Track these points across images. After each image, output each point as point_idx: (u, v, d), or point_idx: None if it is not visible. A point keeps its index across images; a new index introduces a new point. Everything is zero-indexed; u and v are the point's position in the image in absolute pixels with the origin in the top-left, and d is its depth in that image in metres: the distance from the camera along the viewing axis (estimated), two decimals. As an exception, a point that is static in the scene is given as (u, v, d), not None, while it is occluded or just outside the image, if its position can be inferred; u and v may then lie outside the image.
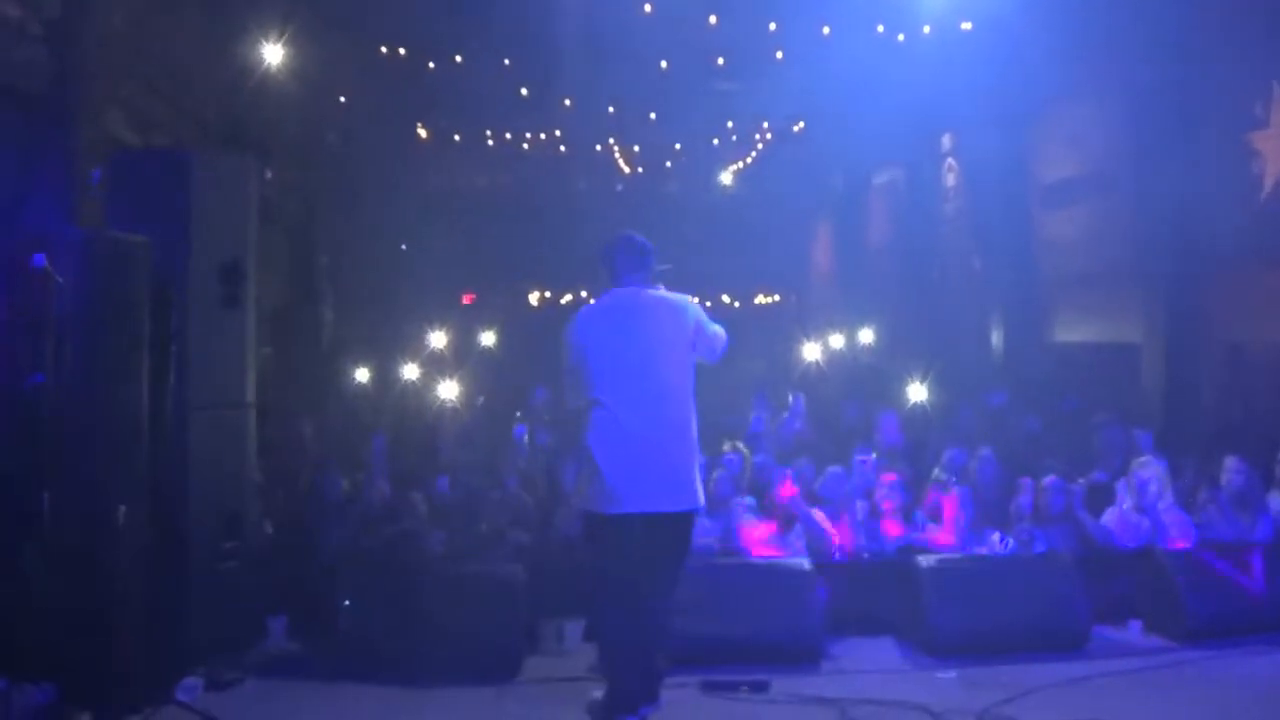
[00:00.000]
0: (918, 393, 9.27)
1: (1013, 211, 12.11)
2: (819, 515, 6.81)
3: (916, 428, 8.84)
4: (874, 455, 7.50)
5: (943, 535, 6.97)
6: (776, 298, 19.23)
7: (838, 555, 6.69)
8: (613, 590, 4.86)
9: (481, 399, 10.72)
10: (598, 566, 4.91)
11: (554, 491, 7.51)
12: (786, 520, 6.82)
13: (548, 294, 18.22)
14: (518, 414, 9.82)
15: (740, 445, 7.79)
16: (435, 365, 11.16)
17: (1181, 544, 6.71)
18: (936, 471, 7.61)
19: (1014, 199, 12.10)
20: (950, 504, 7.06)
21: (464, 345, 13.03)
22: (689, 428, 4.86)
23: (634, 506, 4.74)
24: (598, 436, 4.78)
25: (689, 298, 5.08)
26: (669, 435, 4.79)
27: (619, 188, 17.95)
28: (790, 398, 9.66)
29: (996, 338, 12.56)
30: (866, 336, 13.95)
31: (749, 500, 7.01)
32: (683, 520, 4.89)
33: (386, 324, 13.10)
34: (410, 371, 10.68)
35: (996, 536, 6.90)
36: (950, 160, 13.95)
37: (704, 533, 6.53)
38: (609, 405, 4.76)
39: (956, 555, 6.61)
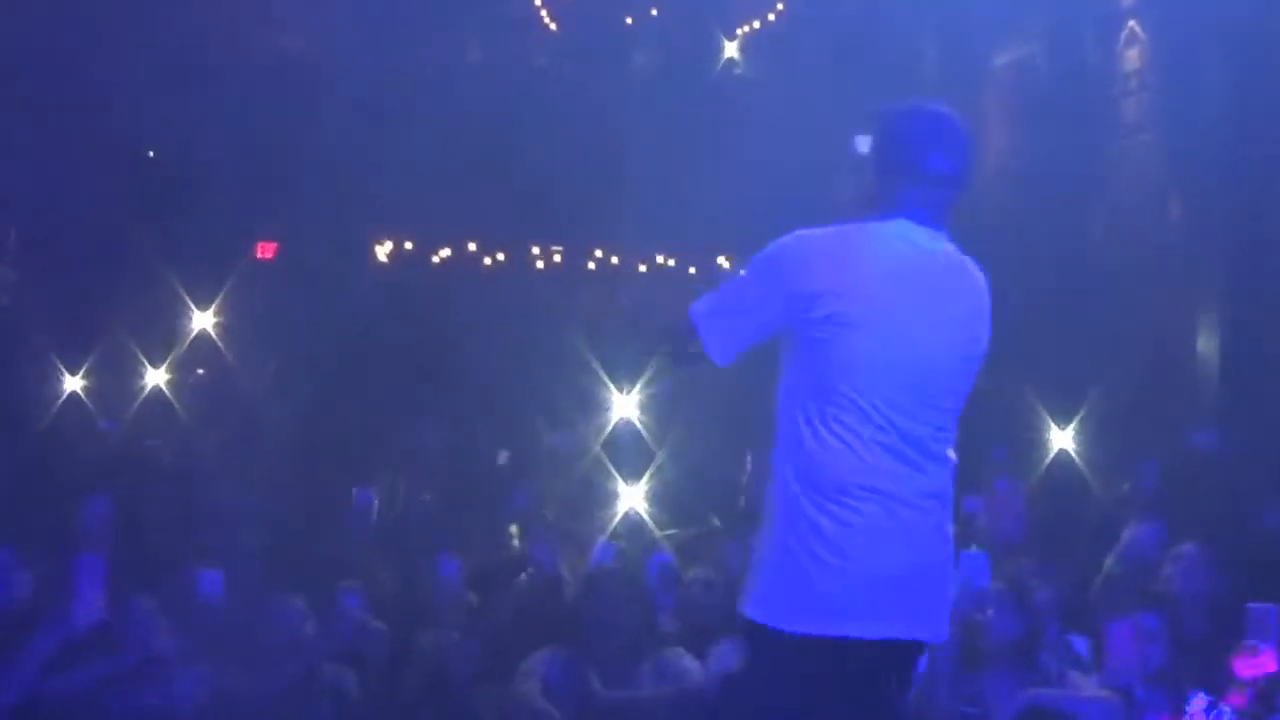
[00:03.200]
0: (1062, 437, 9.27)
1: (1245, 118, 12.14)
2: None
3: (1058, 498, 8.88)
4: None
5: (1096, 689, 7.04)
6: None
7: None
8: None
9: (285, 428, 10.82)
10: None
11: (418, 601, 7.61)
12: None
13: (409, 245, 18.19)
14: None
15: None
16: (204, 365, 11.19)
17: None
18: (1106, 568, 7.66)
19: (1248, 96, 12.13)
20: (1122, 636, 7.08)
21: (255, 331, 13.04)
22: (950, 500, 4.78)
23: (878, 628, 4.61)
24: (838, 487, 4.62)
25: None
26: (938, 507, 4.71)
27: (540, 61, 17.90)
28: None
29: (1207, 341, 12.61)
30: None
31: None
32: (915, 656, 4.80)
33: (116, 291, 13.06)
34: (158, 376, 10.72)
35: (1201, 701, 6.92)
36: (1133, 25, 14.01)
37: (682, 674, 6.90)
38: (872, 435, 4.63)
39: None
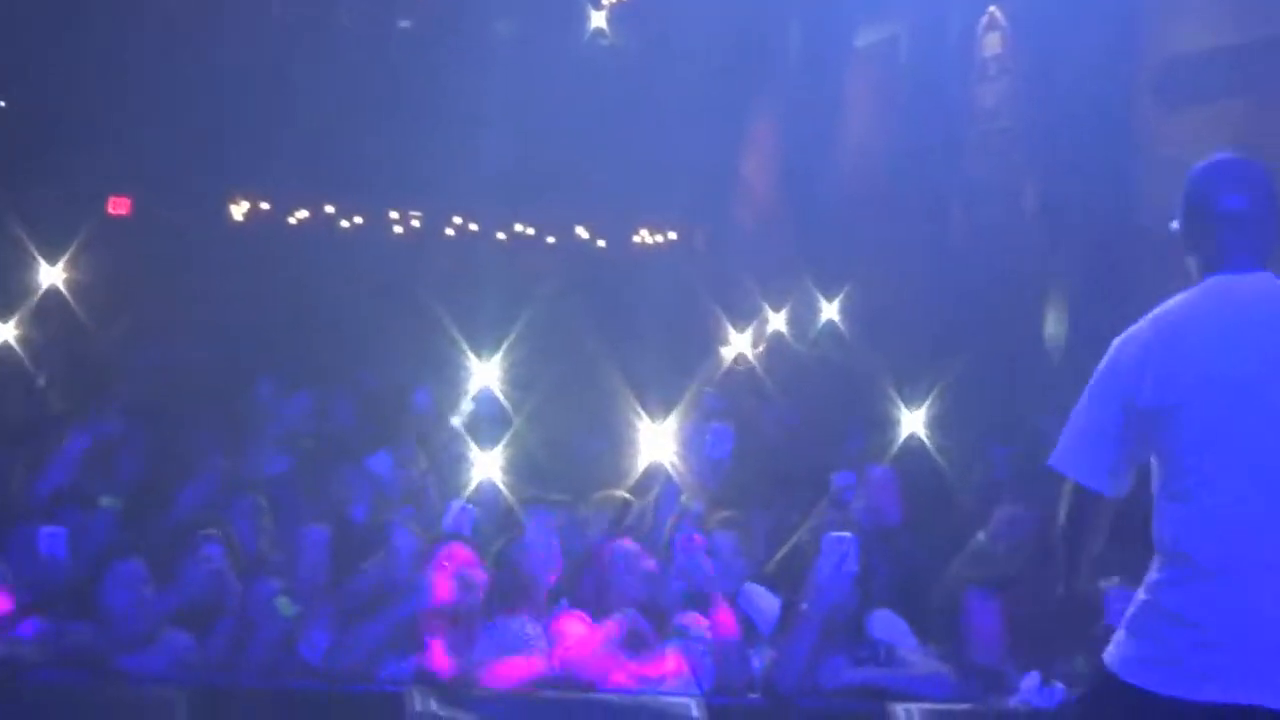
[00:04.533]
0: (913, 420, 9.31)
1: (1102, 108, 12.26)
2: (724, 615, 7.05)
3: (912, 484, 8.90)
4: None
5: (926, 664, 7.14)
6: (672, 236, 19.27)
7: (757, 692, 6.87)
8: None
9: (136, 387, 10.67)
10: None
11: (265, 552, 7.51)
12: (655, 622, 7.01)
13: (265, 205, 17.98)
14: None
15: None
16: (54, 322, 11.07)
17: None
18: (974, 546, 7.72)
19: (1105, 86, 12.25)
20: (986, 613, 7.16)
21: (107, 288, 12.89)
22: None
23: (1239, 693, 4.57)
24: (1193, 551, 4.63)
25: None
26: None
27: (404, 23, 17.81)
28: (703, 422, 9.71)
29: (1056, 324, 12.73)
30: (830, 311, 14.03)
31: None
32: None
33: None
34: (7, 331, 10.61)
35: (1034, 679, 7.01)
36: (993, 11, 14.09)
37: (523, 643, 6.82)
38: (1226, 502, 4.60)
39: (960, 707, 6.83)
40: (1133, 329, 4.73)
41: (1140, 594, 4.68)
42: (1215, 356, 4.58)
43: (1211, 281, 4.69)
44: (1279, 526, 4.55)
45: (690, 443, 9.51)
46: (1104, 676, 4.73)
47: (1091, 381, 4.78)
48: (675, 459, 9.11)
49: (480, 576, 7.06)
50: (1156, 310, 4.74)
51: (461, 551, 7.13)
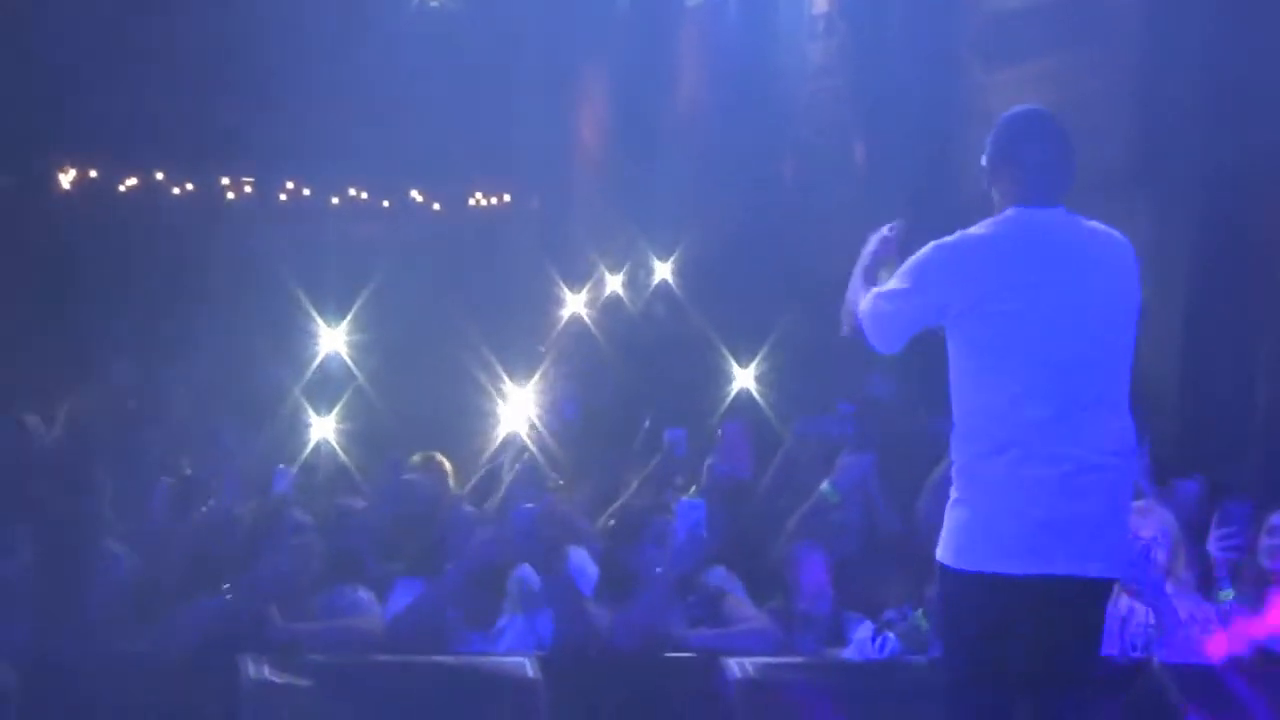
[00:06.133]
0: (744, 376, 9.37)
1: (929, 64, 12.36)
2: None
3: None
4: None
5: (754, 618, 7.17)
6: (506, 199, 19.23)
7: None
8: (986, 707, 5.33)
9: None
10: (959, 666, 5.38)
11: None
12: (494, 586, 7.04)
13: (94, 173, 17.72)
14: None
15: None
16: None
17: (1205, 655, 6.89)
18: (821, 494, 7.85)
19: (929, 43, 12.35)
20: (816, 563, 7.26)
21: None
22: (1134, 453, 5.59)
23: (1050, 564, 5.28)
24: (1001, 446, 5.32)
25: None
26: (1114, 459, 5.41)
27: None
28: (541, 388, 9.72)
29: (882, 279, 12.81)
30: (663, 271, 14.07)
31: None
32: (1103, 593, 5.53)
33: None
34: None
35: (867, 630, 7.09)
36: (821, -33, 14.16)
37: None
38: (1032, 402, 5.32)
39: (793, 660, 6.90)
40: (949, 242, 5.46)
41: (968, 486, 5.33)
42: (1034, 271, 5.35)
43: (1016, 212, 5.44)
44: (1077, 429, 5.29)
45: (553, 404, 9.55)
46: (948, 578, 5.36)
47: (911, 273, 5.51)
48: (535, 420, 9.12)
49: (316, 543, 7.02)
50: (971, 230, 5.46)
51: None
